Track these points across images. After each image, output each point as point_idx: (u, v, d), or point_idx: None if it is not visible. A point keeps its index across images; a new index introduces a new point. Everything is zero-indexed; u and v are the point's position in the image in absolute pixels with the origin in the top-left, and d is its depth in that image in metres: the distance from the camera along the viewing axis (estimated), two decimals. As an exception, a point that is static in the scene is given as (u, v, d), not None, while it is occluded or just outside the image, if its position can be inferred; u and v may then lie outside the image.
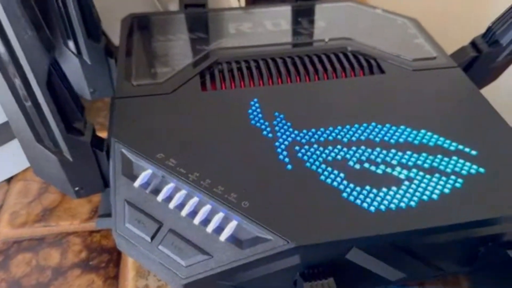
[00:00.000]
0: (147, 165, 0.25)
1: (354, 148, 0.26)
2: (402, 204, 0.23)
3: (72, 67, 0.34)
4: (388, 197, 0.23)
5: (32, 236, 0.30)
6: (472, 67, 0.35)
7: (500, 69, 0.36)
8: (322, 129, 0.27)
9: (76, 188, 0.28)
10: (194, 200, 0.23)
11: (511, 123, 0.28)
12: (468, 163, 0.25)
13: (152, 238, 0.23)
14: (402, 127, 0.27)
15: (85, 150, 0.26)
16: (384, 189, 0.24)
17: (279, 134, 0.27)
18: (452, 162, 0.25)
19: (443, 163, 0.25)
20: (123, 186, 0.25)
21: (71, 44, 0.33)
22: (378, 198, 0.23)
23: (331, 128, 0.27)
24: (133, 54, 0.33)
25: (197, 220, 0.23)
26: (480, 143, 0.26)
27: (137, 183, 0.24)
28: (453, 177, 0.24)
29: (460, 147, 0.26)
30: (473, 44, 0.36)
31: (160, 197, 0.24)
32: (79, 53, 0.34)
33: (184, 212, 0.23)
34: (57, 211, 0.32)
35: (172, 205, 0.23)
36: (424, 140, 0.26)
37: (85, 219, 0.31)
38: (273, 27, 0.36)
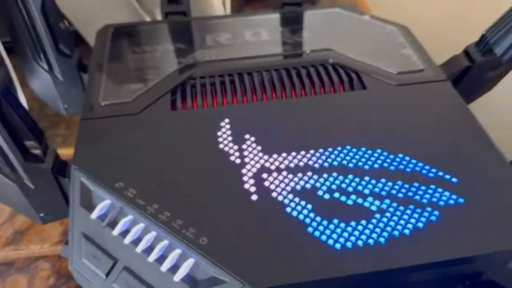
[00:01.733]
0: (105, 195, 0.24)
1: (325, 175, 0.24)
2: (371, 241, 0.21)
3: (45, 83, 0.33)
4: (356, 232, 0.22)
5: (1, 261, 0.29)
6: (465, 78, 0.33)
7: (496, 79, 0.34)
8: (293, 154, 0.26)
9: (41, 214, 0.27)
10: (151, 235, 0.22)
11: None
12: (446, 193, 0.23)
13: (107, 275, 0.22)
14: (379, 151, 0.26)
15: (46, 177, 0.26)
16: (353, 223, 0.22)
17: (247, 159, 0.25)
18: (429, 191, 0.23)
19: (419, 192, 0.23)
20: (80, 218, 0.24)
21: (42, 60, 0.32)
22: (345, 234, 0.22)
23: (303, 153, 0.26)
24: (104, 69, 0.32)
25: (152, 258, 0.22)
26: (462, 169, 0.24)
27: (94, 215, 0.23)
28: (428, 208, 0.23)
29: (440, 173, 0.24)
30: (466, 52, 0.34)
31: (116, 231, 0.23)
32: (50, 69, 0.33)
33: (139, 248, 0.22)
34: (28, 234, 0.31)
35: (128, 240, 0.22)
36: (401, 166, 0.25)
37: (55, 243, 0.30)
38: (254, 37, 0.35)
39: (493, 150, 0.26)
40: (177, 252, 0.22)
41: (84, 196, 0.24)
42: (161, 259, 0.22)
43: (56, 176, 0.26)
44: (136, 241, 0.22)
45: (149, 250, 0.22)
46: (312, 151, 0.26)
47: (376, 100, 0.29)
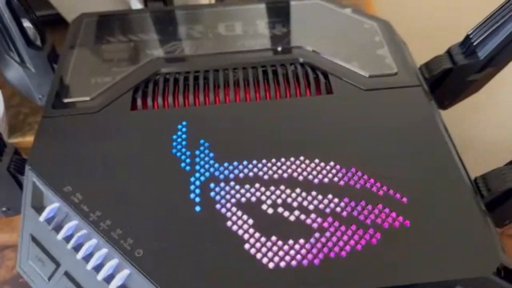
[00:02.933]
0: (54, 198, 0.24)
1: (272, 188, 0.24)
2: (305, 261, 0.21)
3: (18, 74, 0.33)
4: (292, 252, 0.21)
5: (-28, 249, 0.31)
6: (446, 80, 0.32)
7: (479, 82, 0.32)
8: (245, 163, 0.25)
9: (3, 209, 0.28)
10: (92, 242, 0.23)
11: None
12: (393, 213, 0.23)
13: (49, 278, 0.23)
14: (331, 163, 0.25)
15: (3, 176, 0.26)
16: (291, 241, 0.22)
17: (198, 167, 0.25)
18: (376, 211, 0.23)
19: (365, 211, 0.23)
20: (30, 219, 0.24)
21: (13, 52, 0.32)
22: (281, 252, 0.21)
23: (254, 162, 0.25)
24: (73, 61, 0.32)
25: (90, 265, 0.22)
26: (415, 188, 0.24)
27: (42, 217, 0.24)
28: (371, 230, 0.22)
29: (390, 192, 0.23)
30: (449, 53, 0.32)
31: (60, 236, 0.23)
32: (22, 61, 0.33)
33: (79, 255, 0.22)
34: (-1, 223, 0.32)
35: (70, 245, 0.23)
36: (352, 181, 0.24)
37: (23, 233, 0.31)
38: (227, 31, 0.34)
39: (455, 167, 0.24)
40: (114, 261, 0.22)
41: (35, 197, 0.25)
42: (98, 267, 0.22)
43: (14, 174, 0.26)
44: (78, 247, 0.23)
45: (89, 257, 0.22)
46: (264, 161, 0.25)
47: (341, 106, 0.28)
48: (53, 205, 0.24)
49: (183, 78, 0.30)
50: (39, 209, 0.24)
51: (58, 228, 0.24)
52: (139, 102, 0.29)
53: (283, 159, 0.25)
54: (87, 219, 0.23)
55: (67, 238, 0.23)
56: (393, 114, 0.27)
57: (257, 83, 0.29)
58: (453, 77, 0.32)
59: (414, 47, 0.33)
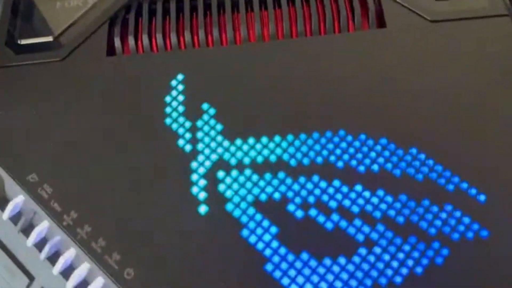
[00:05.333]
0: (18, 189, 0.19)
1: (302, 179, 0.18)
2: (347, 290, 0.16)
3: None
4: (329, 276, 0.16)
5: None
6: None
7: None
8: (264, 140, 0.19)
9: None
10: (70, 253, 0.18)
11: None
12: (466, 218, 0.17)
13: (24, 294, 0.18)
14: (383, 140, 0.18)
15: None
16: (327, 261, 0.16)
17: (201, 145, 0.19)
18: (443, 215, 0.17)
19: (428, 215, 0.17)
20: (-9, 215, 0.19)
21: None
22: (315, 277, 0.16)
23: (277, 139, 0.19)
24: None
25: (70, 285, 0.17)
26: (497, 180, 0.17)
27: (5, 215, 0.19)
28: (436, 244, 0.16)
29: (463, 185, 0.17)
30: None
31: (30, 242, 0.18)
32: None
33: (56, 270, 0.18)
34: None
35: (43, 255, 0.18)
36: (411, 169, 0.18)
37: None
38: None
39: None
40: (99, 281, 0.17)
41: (-6, 186, 0.19)
42: (81, 286, 0.17)
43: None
44: (54, 257, 0.18)
45: (68, 271, 0.18)
46: (290, 137, 0.19)
47: (396, 48, 0.20)
48: (17, 199, 0.19)
49: (176, 2, 0.22)
50: (1, 202, 0.19)
51: (27, 230, 0.18)
52: (117, 43, 0.21)
53: (316, 135, 0.18)
54: (60, 223, 0.18)
55: (39, 245, 0.18)
56: (469, 60, 0.20)
57: (279, 11, 0.21)
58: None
59: None
